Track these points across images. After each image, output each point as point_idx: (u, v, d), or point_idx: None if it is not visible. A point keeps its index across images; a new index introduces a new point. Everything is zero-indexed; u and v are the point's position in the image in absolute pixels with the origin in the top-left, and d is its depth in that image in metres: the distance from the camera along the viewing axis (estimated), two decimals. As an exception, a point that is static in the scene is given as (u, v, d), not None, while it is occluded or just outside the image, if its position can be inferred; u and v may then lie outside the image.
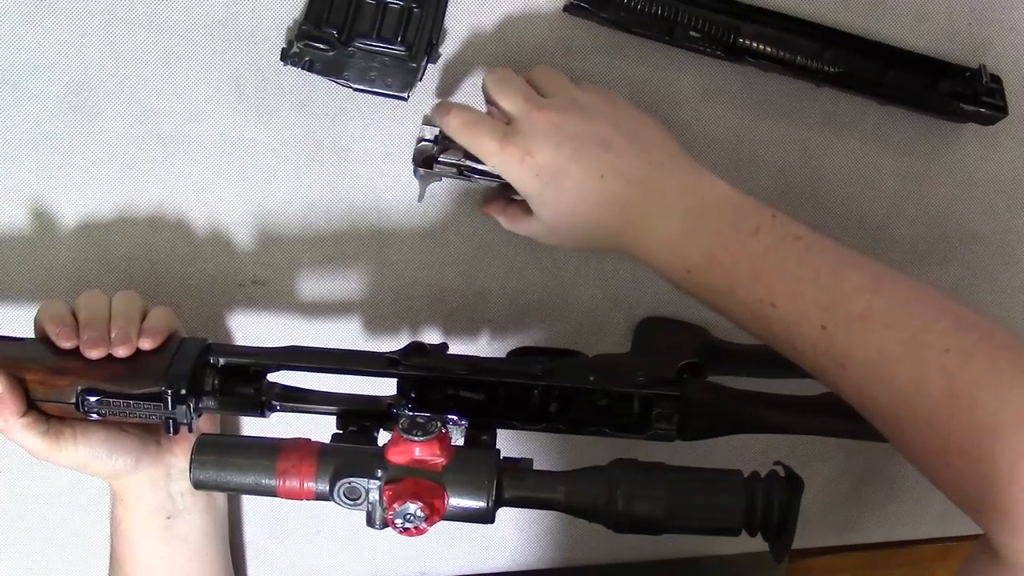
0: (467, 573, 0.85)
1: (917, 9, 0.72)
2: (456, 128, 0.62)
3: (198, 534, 0.69)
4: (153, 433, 0.65)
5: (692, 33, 0.68)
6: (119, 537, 0.68)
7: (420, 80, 0.66)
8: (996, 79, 0.72)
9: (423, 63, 0.66)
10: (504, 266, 0.75)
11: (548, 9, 0.68)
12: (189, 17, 0.65)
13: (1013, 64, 0.74)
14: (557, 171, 0.59)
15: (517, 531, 0.85)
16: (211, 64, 0.66)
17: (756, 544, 0.56)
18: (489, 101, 0.63)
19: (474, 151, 0.62)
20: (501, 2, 0.68)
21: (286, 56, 0.65)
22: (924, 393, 0.51)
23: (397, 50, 0.66)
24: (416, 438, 0.54)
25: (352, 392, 0.63)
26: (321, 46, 0.65)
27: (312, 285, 0.73)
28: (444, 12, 0.66)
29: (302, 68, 0.65)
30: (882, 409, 0.53)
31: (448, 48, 0.68)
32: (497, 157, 0.60)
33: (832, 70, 0.70)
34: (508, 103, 0.61)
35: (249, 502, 0.79)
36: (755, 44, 0.69)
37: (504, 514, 0.81)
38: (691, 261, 0.58)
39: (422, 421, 0.55)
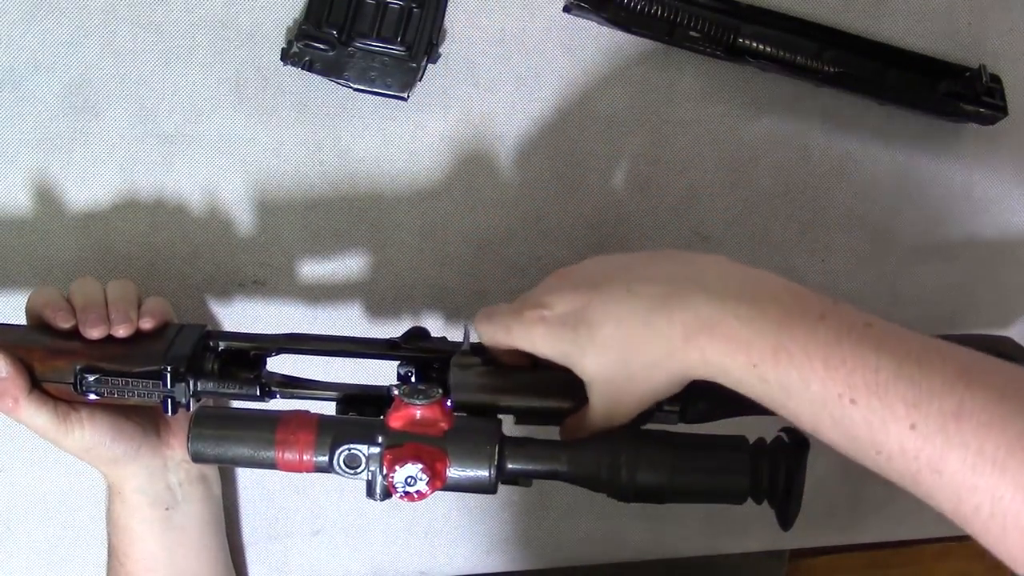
0: (467, 573, 0.85)
1: (917, 9, 0.72)
2: (482, 330, 0.59)
3: (197, 524, 0.70)
4: (153, 424, 0.66)
5: (692, 33, 0.68)
6: (118, 532, 0.68)
7: (420, 80, 0.66)
8: (996, 79, 0.72)
9: (423, 63, 0.66)
10: (504, 266, 0.75)
11: (548, 9, 0.68)
12: (189, 17, 0.65)
13: (1013, 64, 0.74)
14: (580, 308, 0.54)
15: (517, 531, 0.85)
16: (211, 64, 0.66)
17: (756, 544, 0.56)
18: (493, 343, 0.58)
19: (499, 339, 0.57)
20: (501, 2, 0.68)
21: (286, 56, 0.65)
22: None
23: (397, 50, 0.66)
24: (417, 401, 0.53)
25: (351, 383, 0.63)
26: (321, 46, 0.65)
27: (312, 285, 0.73)
28: (444, 12, 0.66)
29: (302, 68, 0.65)
30: (985, 523, 0.45)
31: (448, 48, 0.68)
32: (518, 327, 0.56)
33: (832, 70, 0.70)
34: (499, 316, 0.57)
35: (248, 502, 0.79)
36: (755, 44, 0.69)
37: (504, 513, 0.80)
38: (755, 353, 0.50)
39: (423, 387, 0.55)
